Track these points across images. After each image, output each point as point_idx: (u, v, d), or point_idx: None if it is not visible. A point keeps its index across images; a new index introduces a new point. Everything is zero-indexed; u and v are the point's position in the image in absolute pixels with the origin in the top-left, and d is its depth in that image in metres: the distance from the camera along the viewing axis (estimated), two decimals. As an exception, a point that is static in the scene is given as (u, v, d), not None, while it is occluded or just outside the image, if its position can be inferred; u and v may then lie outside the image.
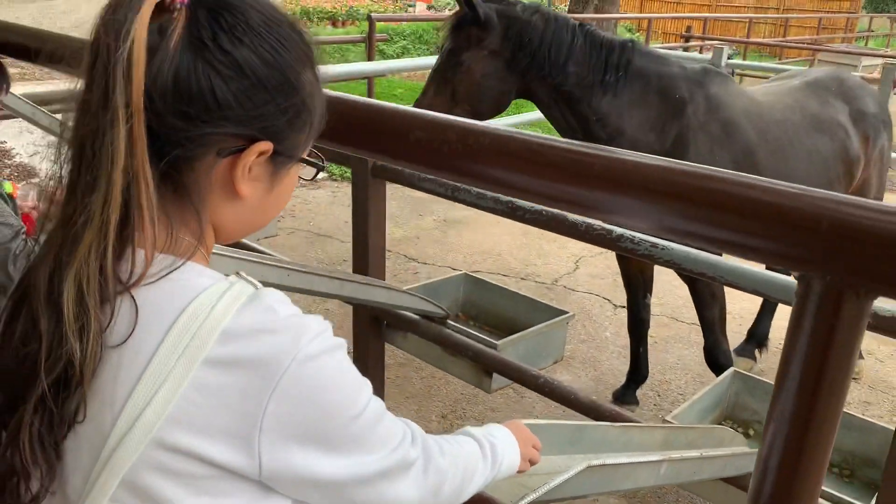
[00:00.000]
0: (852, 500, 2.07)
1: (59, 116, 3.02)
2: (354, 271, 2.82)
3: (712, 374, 3.28)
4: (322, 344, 0.76)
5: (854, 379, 3.88)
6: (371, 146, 1.05)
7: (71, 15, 15.04)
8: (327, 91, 0.92)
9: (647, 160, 0.80)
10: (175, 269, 0.77)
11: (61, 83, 0.78)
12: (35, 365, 0.72)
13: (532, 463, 1.14)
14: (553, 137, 0.89)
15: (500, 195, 2.39)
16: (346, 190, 6.51)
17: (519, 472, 1.12)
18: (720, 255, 2.06)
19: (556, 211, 2.28)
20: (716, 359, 3.23)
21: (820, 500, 1.97)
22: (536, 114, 7.74)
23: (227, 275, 0.80)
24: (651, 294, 3.50)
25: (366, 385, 0.82)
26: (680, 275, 3.10)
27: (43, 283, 0.73)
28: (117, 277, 0.74)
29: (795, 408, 0.70)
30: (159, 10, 0.74)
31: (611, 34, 3.10)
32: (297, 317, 0.77)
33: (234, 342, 0.73)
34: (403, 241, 5.54)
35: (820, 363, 0.68)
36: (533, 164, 0.86)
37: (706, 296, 3.14)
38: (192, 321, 0.73)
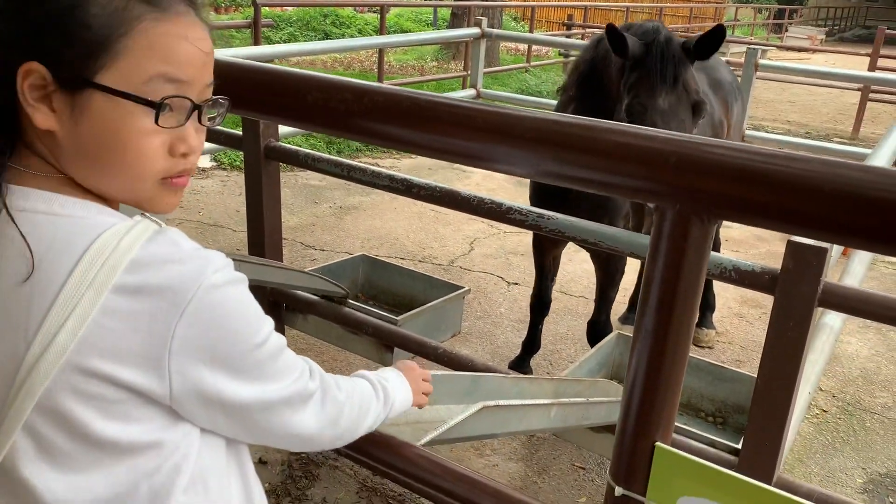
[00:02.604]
0: (724, 441, 2.28)
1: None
2: (250, 255, 2.81)
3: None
4: (226, 276, 0.82)
5: (704, 346, 4.19)
6: (269, 109, 1.09)
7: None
8: (222, 57, 0.95)
9: (523, 113, 0.89)
10: (58, 204, 0.81)
11: None
12: None
13: (426, 394, 1.23)
14: (440, 95, 0.97)
15: (395, 174, 2.47)
16: (235, 179, 6.39)
17: (416, 405, 1.21)
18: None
19: (448, 187, 2.38)
20: (601, 334, 3.40)
21: (693, 441, 2.16)
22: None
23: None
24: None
25: (268, 320, 0.88)
26: (592, 254, 3.24)
27: None
28: None
29: (655, 322, 0.81)
30: None
31: None
32: (201, 250, 0.83)
33: (142, 271, 0.78)
34: (299, 228, 5.52)
35: (674, 280, 0.80)
36: (422, 120, 0.93)
37: (617, 275, 3.29)
38: (99, 253, 0.78)
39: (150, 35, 0.81)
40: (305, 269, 3.36)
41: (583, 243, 2.25)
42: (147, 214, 0.84)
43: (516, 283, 4.85)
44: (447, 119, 0.91)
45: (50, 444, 0.80)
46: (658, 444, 0.87)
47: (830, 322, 2.62)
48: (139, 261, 0.79)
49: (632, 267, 3.68)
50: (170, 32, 0.82)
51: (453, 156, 0.94)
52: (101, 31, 0.78)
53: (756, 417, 1.96)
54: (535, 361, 3.78)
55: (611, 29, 2.48)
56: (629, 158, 0.80)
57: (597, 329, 3.42)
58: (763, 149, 0.78)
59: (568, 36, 12.94)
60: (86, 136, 0.81)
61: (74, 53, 0.78)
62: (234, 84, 0.97)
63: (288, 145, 2.58)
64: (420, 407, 1.21)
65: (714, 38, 2.47)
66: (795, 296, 1.75)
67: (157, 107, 0.81)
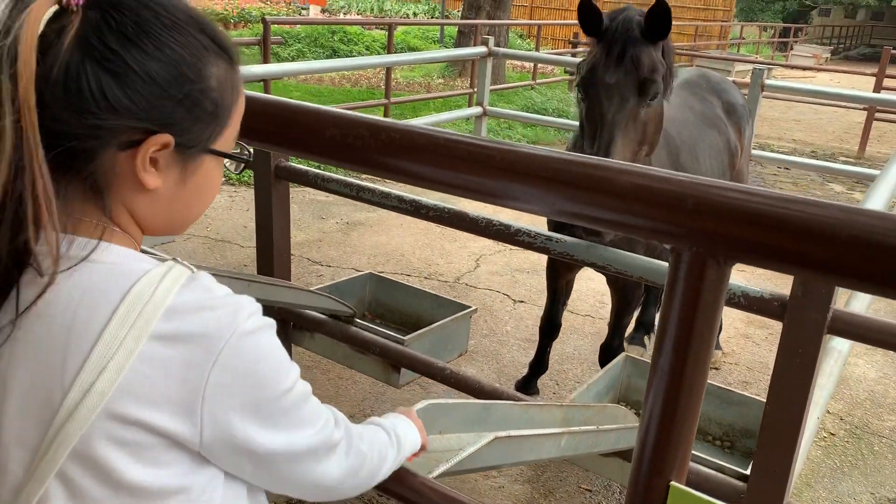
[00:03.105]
0: (731, 466, 2.27)
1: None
2: (259, 274, 2.82)
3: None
4: (257, 322, 0.84)
5: (711, 367, 4.17)
6: (287, 143, 1.10)
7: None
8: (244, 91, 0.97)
9: (540, 152, 0.90)
10: (95, 251, 0.82)
11: None
12: None
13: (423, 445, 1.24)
14: (458, 133, 0.98)
15: (404, 194, 2.47)
16: (244, 194, 6.42)
17: (422, 446, 1.22)
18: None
19: (457, 208, 2.39)
20: (614, 358, 3.39)
21: (701, 467, 2.15)
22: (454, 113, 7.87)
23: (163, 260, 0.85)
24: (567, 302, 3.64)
25: (294, 365, 0.89)
26: (610, 280, 3.24)
27: None
28: (35, 259, 0.79)
29: (671, 363, 0.81)
30: (62, 12, 0.77)
31: None
32: (233, 296, 0.84)
33: (177, 318, 0.80)
34: (306, 244, 5.53)
35: (690, 320, 0.80)
36: (438, 157, 0.95)
37: (633, 302, 3.28)
38: (137, 301, 0.79)
39: (240, 98, 0.91)
40: (313, 287, 3.36)
41: (593, 267, 2.25)
42: (178, 259, 0.86)
43: (522, 301, 4.85)
44: (464, 156, 0.92)
45: (81, 490, 0.80)
46: (673, 483, 0.87)
47: (839, 346, 2.61)
48: (174, 308, 0.80)
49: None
50: (244, 90, 0.92)
51: (469, 192, 0.95)
52: (223, 105, 0.88)
53: (765, 444, 1.95)
54: (541, 381, 3.77)
55: (584, 3, 2.43)
56: (645, 200, 0.81)
57: (609, 353, 3.41)
58: (780, 193, 0.78)
59: (574, 54, 12.99)
60: (190, 190, 0.89)
61: (201, 127, 0.86)
62: (254, 118, 0.99)
63: (298, 165, 2.60)
64: (424, 448, 1.21)
65: (659, 15, 2.38)
66: (804, 323, 1.74)
67: (245, 160, 0.94)
